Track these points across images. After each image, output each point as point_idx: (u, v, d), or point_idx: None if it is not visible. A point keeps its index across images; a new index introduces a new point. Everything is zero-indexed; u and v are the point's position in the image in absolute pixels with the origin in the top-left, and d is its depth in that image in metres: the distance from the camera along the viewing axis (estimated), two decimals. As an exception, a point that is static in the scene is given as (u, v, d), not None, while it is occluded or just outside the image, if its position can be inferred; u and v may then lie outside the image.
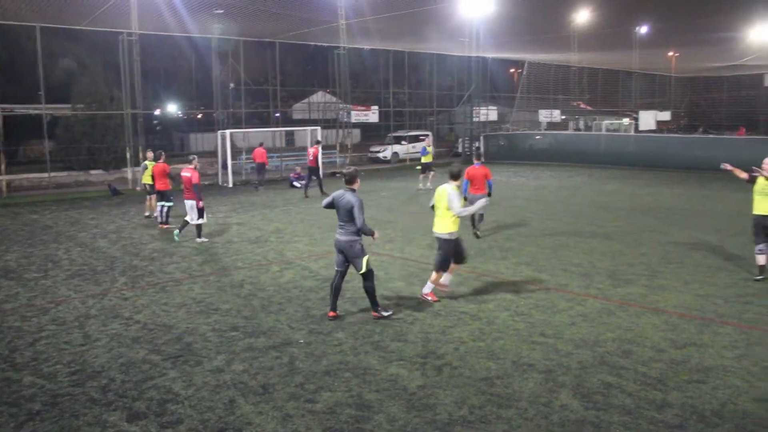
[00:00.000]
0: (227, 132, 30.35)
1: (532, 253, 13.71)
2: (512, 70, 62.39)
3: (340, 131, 41.14)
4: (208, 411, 6.44)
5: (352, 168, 9.45)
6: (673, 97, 63.99)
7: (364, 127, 47.49)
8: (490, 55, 45.46)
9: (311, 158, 24.83)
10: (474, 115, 44.04)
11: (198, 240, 15.53)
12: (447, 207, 9.79)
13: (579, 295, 10.43)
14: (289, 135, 47.41)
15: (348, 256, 9.20)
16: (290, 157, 37.53)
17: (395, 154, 41.22)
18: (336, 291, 9.38)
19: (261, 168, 28.35)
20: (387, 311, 9.33)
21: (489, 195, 14.99)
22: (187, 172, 15.23)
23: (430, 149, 27.74)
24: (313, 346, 8.22)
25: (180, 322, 9.30)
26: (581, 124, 52.18)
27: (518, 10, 34.50)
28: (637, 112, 56.09)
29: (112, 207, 22.65)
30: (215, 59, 37.05)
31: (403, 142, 41.91)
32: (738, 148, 34.11)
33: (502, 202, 21.87)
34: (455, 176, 10.11)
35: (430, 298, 10.18)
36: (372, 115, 42.15)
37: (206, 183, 27.86)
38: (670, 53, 52.62)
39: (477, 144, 40.87)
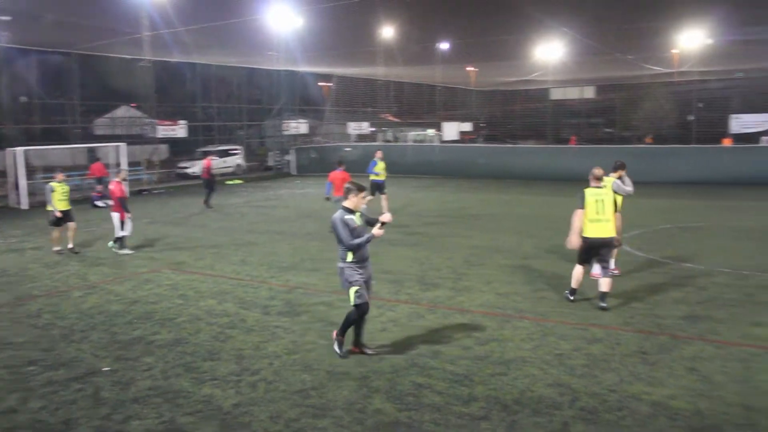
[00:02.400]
0: (19, 150, 28.05)
1: (344, 263, 13.93)
2: (322, 84, 63.24)
3: (147, 147, 39.50)
4: (0, 454, 5.93)
5: (349, 183, 8.37)
6: (473, 109, 68.01)
7: (172, 142, 45.84)
8: (299, 69, 45.80)
9: (205, 170, 25.50)
10: (284, 129, 44.10)
11: (121, 252, 15.61)
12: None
13: (390, 301, 10.77)
14: (91, 152, 44.74)
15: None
16: (92, 175, 35.41)
17: (206, 169, 40.22)
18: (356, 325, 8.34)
19: (100, 181, 28.13)
20: (341, 349, 8.16)
21: None
22: (113, 185, 15.69)
23: (382, 163, 21.32)
24: (120, 373, 7.83)
25: (-34, 360, 8.46)
26: (389, 135, 53.96)
27: (326, 25, 35.14)
28: (441, 124, 58.95)
29: None
30: (2, 70, 34.09)
31: (213, 157, 40.97)
32: (531, 156, 37.08)
33: (315, 213, 22.07)
34: (616, 168, 12.01)
35: (617, 272, 11.85)
36: (180, 130, 40.83)
37: (-4, 206, 25.61)
38: (470, 68, 55.92)
39: (343, 152, 40.92)
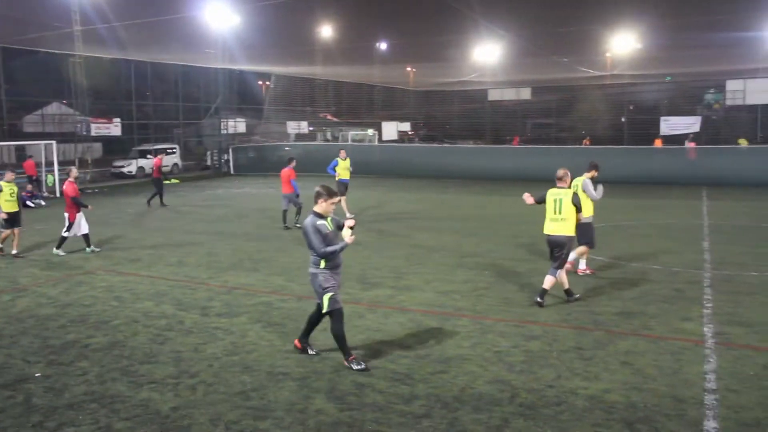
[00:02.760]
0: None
1: (283, 263, 13.86)
2: (260, 83, 62.66)
3: (79, 146, 38.44)
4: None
5: (319, 187, 7.84)
6: (412, 109, 68.39)
7: (106, 140, 44.74)
8: (237, 67, 45.25)
9: (155, 169, 25.53)
10: (222, 128, 43.59)
11: (55, 251, 15.12)
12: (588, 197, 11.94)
13: (331, 301, 10.73)
14: (20, 150, 43.29)
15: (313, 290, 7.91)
16: (22, 174, 34.25)
17: (141, 168, 39.41)
18: (309, 322, 8.15)
19: (31, 180, 27.83)
20: (359, 364, 7.68)
21: (297, 195, 18.43)
22: (66, 184, 15.27)
23: (346, 162, 20.88)
24: (53, 379, 7.59)
25: None
26: (329, 135, 53.79)
27: (264, 23, 34.83)
28: (380, 123, 59.07)
29: None
30: None
31: (149, 156, 40.21)
32: (469, 156, 37.54)
33: (253, 213, 21.89)
34: (592, 168, 12.39)
35: (589, 272, 12.31)
36: (114, 128, 39.87)
37: None
38: (408, 68, 56.21)
39: (284, 152, 40.46)
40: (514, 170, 32.67)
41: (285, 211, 18.73)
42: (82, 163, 36.51)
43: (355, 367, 7.64)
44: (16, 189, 15.40)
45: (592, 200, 12.13)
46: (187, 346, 8.61)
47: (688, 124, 48.25)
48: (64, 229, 15.24)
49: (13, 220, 15.22)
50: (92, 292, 11.66)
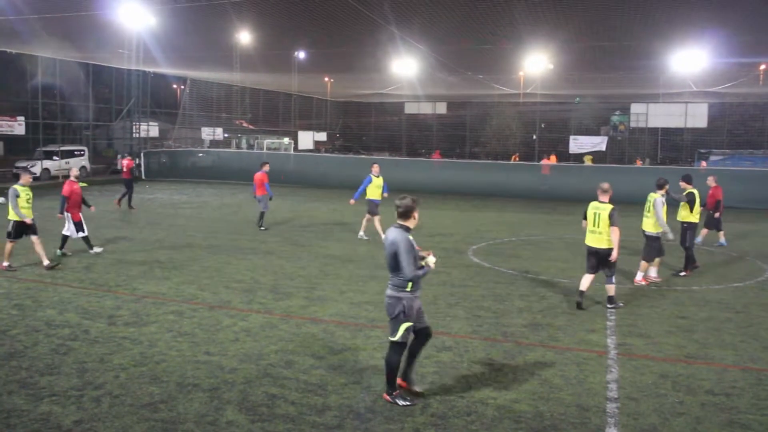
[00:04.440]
0: None
1: (194, 271, 13.59)
2: (175, 86, 61.35)
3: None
4: None
5: (408, 197, 7.04)
6: (328, 119, 68.49)
7: (9, 139, 42.85)
8: (151, 69, 44.17)
9: (125, 170, 25.61)
10: (134, 131, 42.42)
11: (92, 251, 15.21)
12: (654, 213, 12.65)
13: (242, 311, 10.61)
14: None
15: (388, 315, 7.13)
16: None
17: (46, 170, 37.90)
18: (407, 356, 7.29)
19: None
20: (405, 400, 7.05)
21: (270, 198, 19.71)
22: (66, 184, 15.11)
23: (379, 179, 18.60)
24: (-57, 390, 7.18)
25: None
26: (244, 142, 53.20)
27: (180, 26, 34.14)
28: (296, 133, 58.87)
29: None
30: None
31: (55, 158, 38.73)
32: (386, 167, 37.79)
33: (165, 220, 21.40)
34: (660, 186, 12.87)
35: (644, 283, 12.95)
36: (18, 127, 38.21)
37: None
38: (326, 78, 56.23)
39: (197, 158, 39.54)
40: (428, 183, 33.16)
41: (262, 213, 19.68)
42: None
43: (400, 402, 7.01)
44: (31, 194, 13.87)
45: (658, 221, 12.69)
46: (93, 356, 8.32)
47: (595, 143, 50.32)
48: (73, 232, 14.93)
49: (28, 228, 13.78)
50: (-10, 299, 11.12)
